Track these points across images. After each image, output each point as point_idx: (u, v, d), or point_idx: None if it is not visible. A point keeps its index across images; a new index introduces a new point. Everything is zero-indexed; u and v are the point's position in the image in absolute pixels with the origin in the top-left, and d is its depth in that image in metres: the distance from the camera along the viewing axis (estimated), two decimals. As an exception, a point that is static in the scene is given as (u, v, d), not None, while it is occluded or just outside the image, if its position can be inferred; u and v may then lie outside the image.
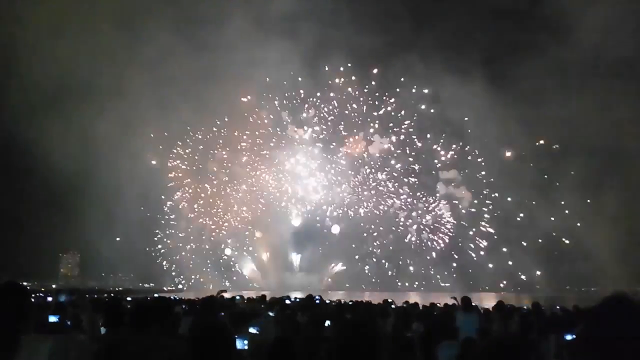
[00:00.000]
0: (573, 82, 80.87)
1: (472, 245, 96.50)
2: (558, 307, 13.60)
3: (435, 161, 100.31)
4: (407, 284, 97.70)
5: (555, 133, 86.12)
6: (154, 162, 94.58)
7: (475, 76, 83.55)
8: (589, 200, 79.53)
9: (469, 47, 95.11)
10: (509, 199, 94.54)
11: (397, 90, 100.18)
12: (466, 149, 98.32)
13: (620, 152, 78.13)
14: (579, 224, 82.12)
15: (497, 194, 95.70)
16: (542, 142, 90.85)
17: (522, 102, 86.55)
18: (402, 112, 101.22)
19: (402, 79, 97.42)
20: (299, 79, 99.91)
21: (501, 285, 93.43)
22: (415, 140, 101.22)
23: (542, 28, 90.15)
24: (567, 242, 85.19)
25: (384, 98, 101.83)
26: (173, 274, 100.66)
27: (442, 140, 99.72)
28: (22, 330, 2.48)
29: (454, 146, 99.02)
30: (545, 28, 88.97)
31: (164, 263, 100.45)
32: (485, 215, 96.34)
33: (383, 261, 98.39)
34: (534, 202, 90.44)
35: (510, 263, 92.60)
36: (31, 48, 79.48)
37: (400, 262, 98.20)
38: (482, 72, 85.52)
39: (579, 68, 79.05)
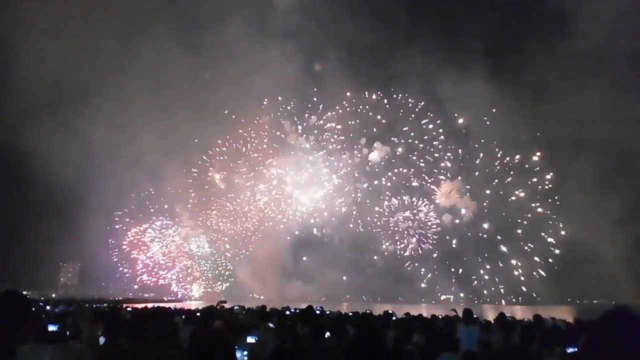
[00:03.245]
0: (578, 80, 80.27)
1: (473, 256, 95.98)
2: (558, 319, 13.52)
3: (436, 171, 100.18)
4: (408, 295, 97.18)
5: (561, 135, 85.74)
6: (153, 171, 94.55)
7: (480, 82, 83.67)
8: (594, 210, 78.66)
9: (473, 49, 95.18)
10: (511, 204, 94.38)
11: (398, 96, 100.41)
12: (469, 156, 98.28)
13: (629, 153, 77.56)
14: (584, 234, 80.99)
15: (499, 204, 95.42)
16: (546, 148, 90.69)
17: (526, 104, 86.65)
18: (405, 119, 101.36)
19: (404, 85, 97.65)
20: (300, 87, 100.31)
21: (502, 296, 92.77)
22: (418, 147, 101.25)
23: (549, 22, 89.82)
24: (571, 253, 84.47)
25: (386, 104, 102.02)
26: (171, 284, 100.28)
27: (441, 146, 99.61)
28: (20, 340, 2.45)
29: (458, 154, 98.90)
30: (551, 22, 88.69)
31: (163, 273, 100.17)
32: (487, 225, 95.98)
33: (384, 271, 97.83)
34: (538, 210, 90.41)
35: (512, 274, 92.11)
36: (30, 55, 79.90)
37: (401, 273, 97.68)
38: (488, 78, 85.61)
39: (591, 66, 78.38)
